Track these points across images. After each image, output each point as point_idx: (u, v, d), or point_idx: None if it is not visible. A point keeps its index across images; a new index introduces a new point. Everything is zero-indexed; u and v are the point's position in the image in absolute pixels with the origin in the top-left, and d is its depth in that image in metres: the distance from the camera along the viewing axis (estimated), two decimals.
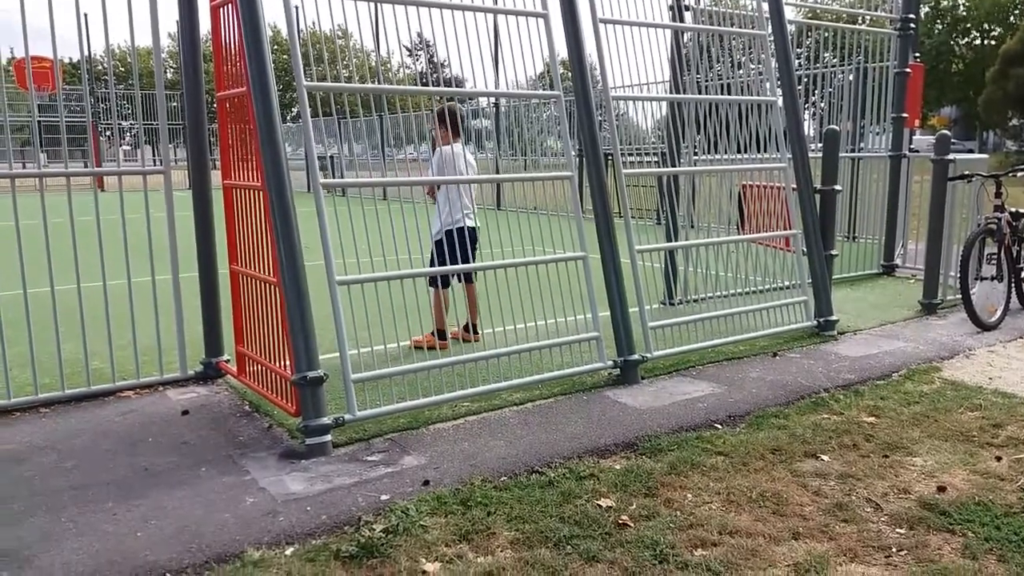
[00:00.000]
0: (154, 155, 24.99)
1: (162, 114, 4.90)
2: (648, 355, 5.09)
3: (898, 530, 3.09)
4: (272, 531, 3.06)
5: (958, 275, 6.26)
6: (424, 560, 2.86)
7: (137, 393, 4.78)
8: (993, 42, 41.10)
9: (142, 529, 3.07)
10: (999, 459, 3.73)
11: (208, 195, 4.98)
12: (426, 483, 3.45)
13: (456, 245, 5.16)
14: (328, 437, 3.82)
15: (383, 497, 3.33)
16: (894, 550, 2.93)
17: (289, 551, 2.94)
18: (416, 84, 5.20)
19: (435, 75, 5.13)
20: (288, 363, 3.94)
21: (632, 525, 3.11)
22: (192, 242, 4.93)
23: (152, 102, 24.33)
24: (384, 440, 3.98)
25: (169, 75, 43.68)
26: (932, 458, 3.76)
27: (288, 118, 36.14)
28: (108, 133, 29.10)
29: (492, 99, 17.62)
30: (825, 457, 3.79)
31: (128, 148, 35.45)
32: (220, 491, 3.41)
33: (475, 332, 5.67)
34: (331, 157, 21.59)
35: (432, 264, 5.45)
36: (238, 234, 4.52)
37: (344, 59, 4.90)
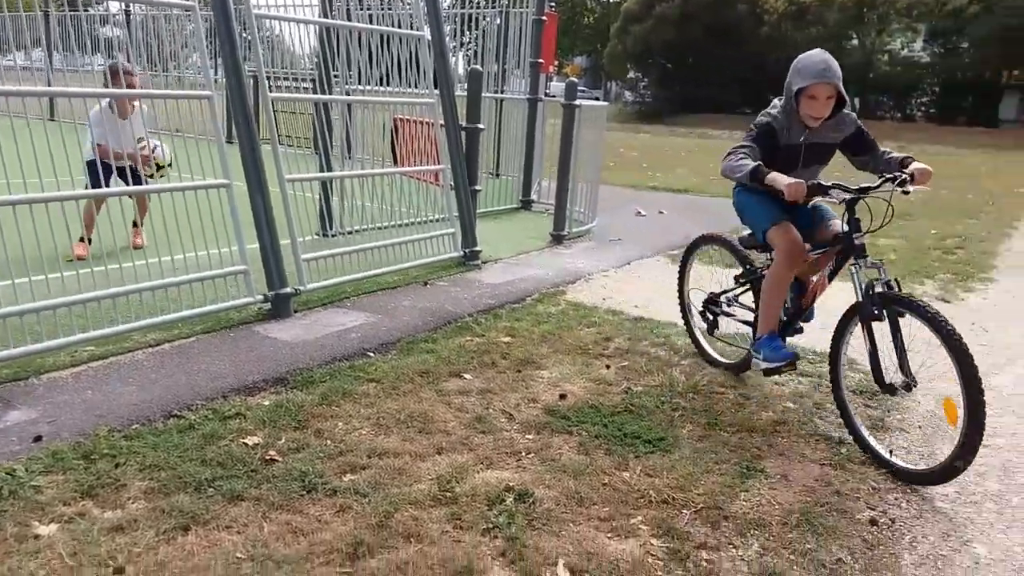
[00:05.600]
0: None
1: None
2: (301, 288, 4.98)
3: (527, 436, 3.42)
4: None
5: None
6: (37, 523, 2.52)
7: None
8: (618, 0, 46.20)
9: None
10: (608, 367, 4.31)
11: None
12: (38, 439, 3.03)
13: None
14: None
15: None
16: (524, 454, 3.25)
17: None
18: None
19: None
20: None
21: (280, 460, 3.05)
22: None
23: None
24: None
25: None
26: (556, 370, 4.22)
27: None
28: None
29: (122, 6, 15.58)
30: (468, 376, 4.06)
31: None
32: None
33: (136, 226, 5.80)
34: None
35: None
36: None
37: None
